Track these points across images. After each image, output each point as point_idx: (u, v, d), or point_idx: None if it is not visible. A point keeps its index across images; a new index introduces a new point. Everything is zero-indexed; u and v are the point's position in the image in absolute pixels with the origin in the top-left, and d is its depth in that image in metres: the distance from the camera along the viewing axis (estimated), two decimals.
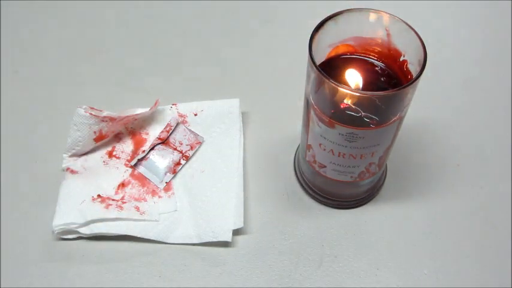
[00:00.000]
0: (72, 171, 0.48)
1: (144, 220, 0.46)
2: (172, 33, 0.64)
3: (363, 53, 0.41)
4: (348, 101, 0.36)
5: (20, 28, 0.63)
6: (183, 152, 0.49)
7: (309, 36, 0.36)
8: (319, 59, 0.38)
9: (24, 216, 0.47)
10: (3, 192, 0.49)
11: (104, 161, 0.50)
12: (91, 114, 0.49)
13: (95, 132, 0.48)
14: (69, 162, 0.49)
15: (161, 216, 0.46)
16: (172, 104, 0.53)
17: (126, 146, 0.51)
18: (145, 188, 0.48)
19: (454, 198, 0.48)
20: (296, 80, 0.50)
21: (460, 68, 0.59)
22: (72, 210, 0.45)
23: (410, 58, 0.38)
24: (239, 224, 0.45)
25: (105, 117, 0.49)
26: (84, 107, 0.49)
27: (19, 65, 0.59)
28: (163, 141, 0.50)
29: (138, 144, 0.51)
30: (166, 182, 0.48)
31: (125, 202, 0.47)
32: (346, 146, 0.39)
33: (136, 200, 0.47)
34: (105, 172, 0.49)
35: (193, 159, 0.50)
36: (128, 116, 0.49)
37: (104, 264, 0.44)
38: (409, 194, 0.48)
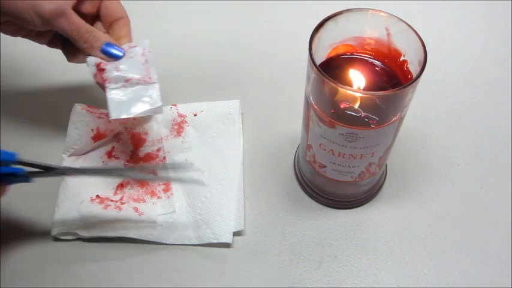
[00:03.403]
0: None
1: (143, 221, 0.46)
2: (172, 33, 0.64)
3: (363, 53, 0.41)
4: (347, 101, 0.36)
5: None
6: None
7: (309, 36, 0.36)
8: (319, 59, 0.38)
9: (24, 217, 0.47)
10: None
11: (103, 162, 0.50)
12: (88, 111, 0.49)
13: (92, 130, 0.48)
14: (68, 162, 0.49)
15: (160, 217, 0.46)
16: (172, 105, 0.53)
17: (125, 147, 0.50)
18: (144, 189, 0.48)
19: (454, 198, 0.48)
20: (296, 80, 0.50)
21: (460, 68, 0.59)
22: (71, 211, 0.45)
23: (410, 58, 0.38)
24: (240, 227, 0.45)
25: (101, 113, 0.49)
26: (81, 104, 0.49)
27: (19, 64, 0.59)
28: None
29: (137, 145, 0.51)
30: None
31: (124, 203, 0.46)
32: (346, 146, 0.39)
33: (135, 200, 0.47)
34: None
35: (193, 159, 0.50)
36: None
37: (103, 264, 0.44)
38: (409, 194, 0.48)
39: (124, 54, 0.42)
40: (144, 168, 0.49)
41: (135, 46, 0.43)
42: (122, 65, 0.41)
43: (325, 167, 0.43)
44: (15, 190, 0.49)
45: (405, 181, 0.49)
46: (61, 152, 0.49)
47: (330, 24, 0.37)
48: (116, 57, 0.42)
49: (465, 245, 0.45)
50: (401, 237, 0.46)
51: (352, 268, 0.44)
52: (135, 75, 0.41)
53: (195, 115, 0.52)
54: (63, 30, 0.41)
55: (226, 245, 0.45)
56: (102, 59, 0.42)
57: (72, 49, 0.44)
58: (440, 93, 0.57)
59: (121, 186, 0.48)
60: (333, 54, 0.41)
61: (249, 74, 0.59)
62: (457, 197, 0.48)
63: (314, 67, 0.35)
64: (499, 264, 0.44)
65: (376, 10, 0.37)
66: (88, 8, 0.43)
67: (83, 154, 0.50)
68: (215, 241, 0.44)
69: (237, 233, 0.45)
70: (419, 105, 0.54)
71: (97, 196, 0.47)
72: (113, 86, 0.41)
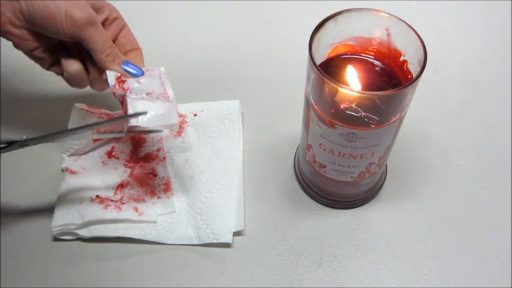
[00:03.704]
0: (71, 172, 0.48)
1: (143, 221, 0.46)
2: (171, 33, 0.64)
3: (363, 53, 0.41)
4: (347, 101, 0.36)
5: None
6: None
7: (309, 36, 0.36)
8: (319, 59, 0.38)
9: (24, 217, 0.47)
10: (3, 193, 0.49)
11: (103, 162, 0.50)
12: (87, 110, 0.49)
13: (92, 130, 0.48)
14: (68, 162, 0.49)
15: (160, 217, 0.46)
16: None
17: (125, 147, 0.50)
18: (144, 189, 0.48)
19: (454, 198, 0.48)
20: (296, 80, 0.50)
21: (460, 68, 0.59)
22: (71, 211, 0.45)
23: (410, 58, 0.38)
24: (240, 227, 0.45)
25: (101, 113, 0.49)
26: (81, 104, 0.49)
27: (19, 64, 0.59)
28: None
29: (137, 145, 0.51)
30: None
31: (124, 203, 0.47)
32: (346, 146, 0.39)
33: (135, 200, 0.47)
34: (104, 173, 0.49)
35: (193, 159, 0.50)
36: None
37: (103, 264, 0.44)
38: (409, 194, 0.48)
39: (143, 73, 0.43)
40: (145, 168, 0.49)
41: (152, 70, 0.44)
42: (142, 79, 0.42)
43: (325, 167, 0.43)
44: (14, 190, 0.49)
45: (405, 181, 0.49)
46: (61, 152, 0.50)
47: (330, 24, 0.37)
48: (135, 76, 0.43)
49: (465, 245, 0.45)
50: (401, 237, 0.46)
51: (352, 268, 0.44)
52: (155, 90, 0.42)
53: (195, 115, 0.52)
54: (90, 39, 0.41)
55: (226, 245, 0.45)
56: (121, 74, 0.42)
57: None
58: (440, 93, 0.57)
59: (121, 186, 0.48)
60: (333, 54, 0.41)
61: (249, 74, 0.59)
62: (457, 197, 0.48)
63: (314, 67, 0.35)
64: (499, 264, 0.44)
65: (376, 10, 0.37)
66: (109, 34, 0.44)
67: (83, 154, 0.50)
68: (215, 241, 0.44)
69: (237, 233, 0.45)
70: (419, 105, 0.54)
71: (97, 196, 0.47)
72: (133, 96, 0.41)
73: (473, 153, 0.51)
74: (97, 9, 0.43)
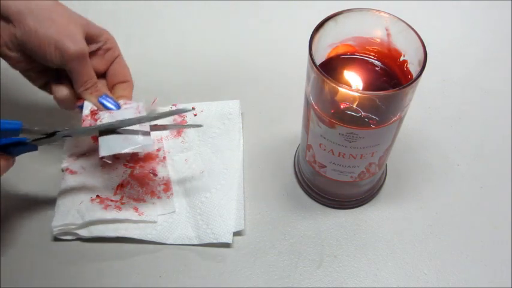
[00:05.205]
0: (71, 172, 0.48)
1: (143, 221, 0.46)
2: (171, 33, 0.64)
3: (363, 53, 0.41)
4: (347, 101, 0.36)
5: None
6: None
7: (309, 36, 0.36)
8: (319, 59, 0.38)
9: (24, 217, 0.47)
10: (3, 193, 0.49)
11: (103, 162, 0.50)
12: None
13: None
14: (68, 162, 0.49)
15: (160, 217, 0.46)
16: (172, 105, 0.53)
17: None
18: (144, 189, 0.48)
19: (454, 198, 0.48)
20: (296, 80, 0.50)
21: (459, 68, 0.59)
22: (71, 211, 0.45)
23: (410, 58, 0.38)
24: (240, 227, 0.45)
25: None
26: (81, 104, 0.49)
27: None
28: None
29: None
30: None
31: (124, 203, 0.47)
32: (346, 146, 0.39)
33: (135, 200, 0.47)
34: (104, 173, 0.49)
35: (193, 159, 0.50)
36: None
37: (103, 264, 0.44)
38: (409, 194, 0.48)
39: (119, 108, 0.44)
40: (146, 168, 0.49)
41: (130, 103, 0.44)
42: (115, 111, 0.43)
43: (325, 167, 0.43)
44: (14, 190, 0.49)
45: (405, 181, 0.49)
46: (61, 152, 0.50)
47: (330, 24, 0.37)
48: (110, 110, 0.44)
49: (465, 245, 0.45)
50: (401, 237, 0.46)
51: (352, 268, 0.44)
52: (126, 118, 0.42)
53: (195, 115, 0.52)
54: (75, 71, 0.42)
55: (226, 245, 0.45)
56: (97, 107, 0.43)
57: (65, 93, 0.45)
58: (440, 93, 0.57)
59: (121, 186, 0.48)
60: (333, 54, 0.41)
61: (249, 74, 0.59)
62: (457, 197, 0.48)
63: (314, 67, 0.35)
64: (499, 264, 0.44)
65: (376, 10, 0.37)
66: (99, 64, 0.45)
67: (84, 154, 0.50)
68: (215, 241, 0.44)
69: (237, 233, 0.45)
70: (419, 105, 0.54)
71: (97, 196, 0.47)
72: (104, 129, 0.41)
73: (473, 153, 0.51)
74: (93, 38, 0.43)
